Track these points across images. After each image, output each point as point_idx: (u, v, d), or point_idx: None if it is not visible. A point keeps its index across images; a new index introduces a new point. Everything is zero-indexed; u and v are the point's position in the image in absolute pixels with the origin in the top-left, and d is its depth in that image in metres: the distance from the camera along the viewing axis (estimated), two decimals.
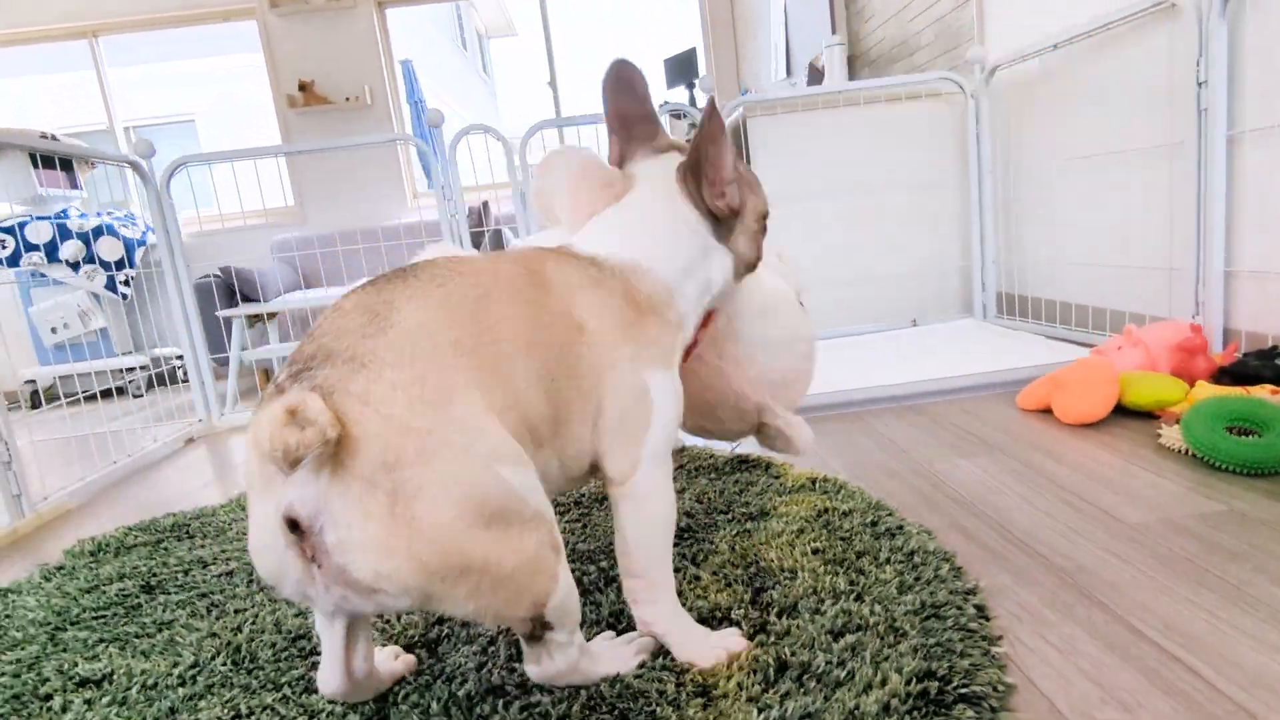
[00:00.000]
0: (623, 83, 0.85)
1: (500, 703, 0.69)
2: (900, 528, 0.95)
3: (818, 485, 1.14)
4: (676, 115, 4.94)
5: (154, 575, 1.10)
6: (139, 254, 3.71)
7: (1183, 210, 1.61)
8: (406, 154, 5.48)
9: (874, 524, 0.97)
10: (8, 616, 1.01)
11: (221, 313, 3.11)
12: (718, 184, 0.79)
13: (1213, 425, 1.09)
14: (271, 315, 3.70)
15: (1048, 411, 1.43)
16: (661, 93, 5.65)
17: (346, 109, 5.39)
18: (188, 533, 1.27)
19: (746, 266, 0.86)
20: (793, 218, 2.33)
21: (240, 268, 3.34)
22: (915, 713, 0.61)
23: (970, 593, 0.79)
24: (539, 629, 0.63)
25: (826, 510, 1.03)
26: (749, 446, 1.39)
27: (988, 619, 0.75)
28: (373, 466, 0.53)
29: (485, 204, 4.16)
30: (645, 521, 0.73)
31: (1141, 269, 1.77)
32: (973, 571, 0.86)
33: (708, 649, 0.72)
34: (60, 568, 1.17)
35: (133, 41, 5.05)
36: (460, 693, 0.71)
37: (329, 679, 0.66)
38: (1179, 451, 1.16)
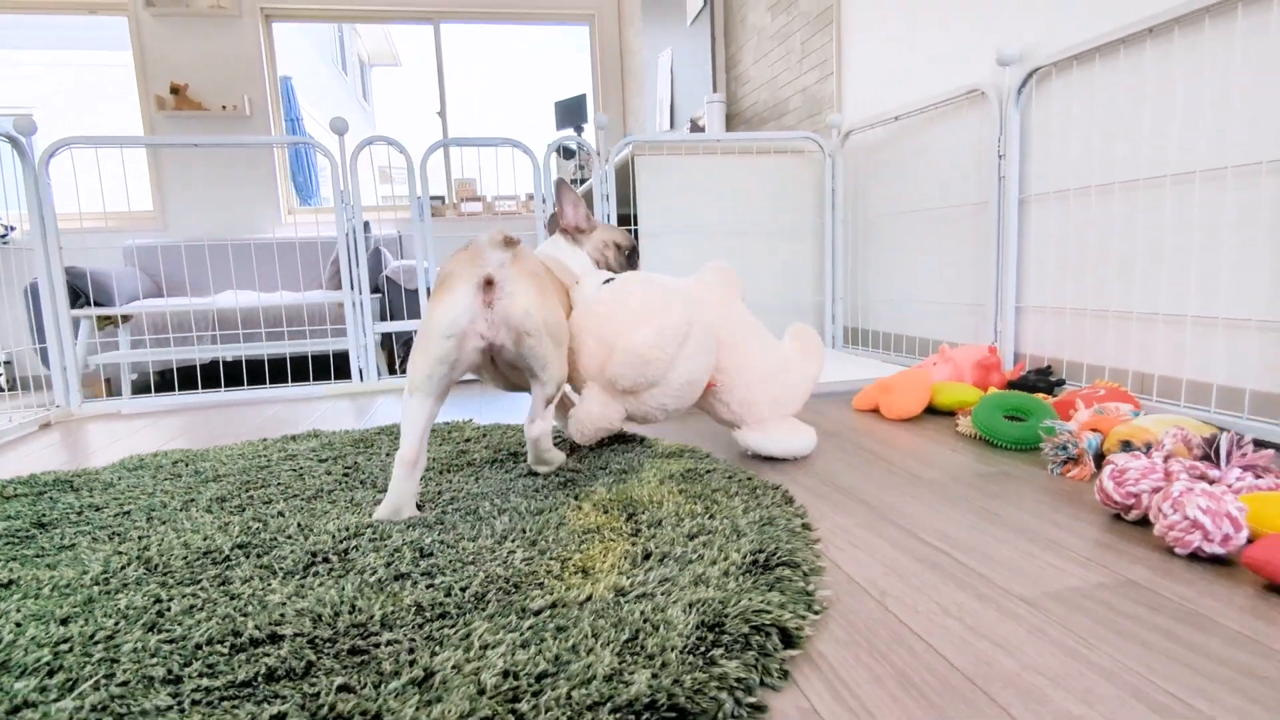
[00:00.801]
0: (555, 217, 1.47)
1: (409, 583, 0.81)
2: (750, 477, 1.14)
3: (686, 453, 1.32)
4: (567, 155, 5.18)
5: (44, 516, 1.12)
6: None
7: (986, 257, 1.95)
8: (283, 168, 5.40)
9: (731, 476, 1.15)
10: None
11: (74, 313, 2.97)
12: (563, 221, 1.44)
13: (993, 413, 1.37)
14: (125, 319, 3.55)
15: (876, 411, 1.69)
16: (551, 133, 5.89)
17: (222, 117, 5.26)
18: (72, 487, 1.29)
19: (598, 262, 1.44)
20: (672, 248, 2.56)
21: (95, 269, 3.21)
22: (747, 575, 0.78)
23: (799, 515, 0.99)
24: (556, 394, 1.18)
25: (693, 469, 1.21)
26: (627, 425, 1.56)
27: (811, 529, 0.95)
28: (531, 270, 1.15)
29: (366, 224, 4.20)
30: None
31: (956, 304, 2.10)
32: (803, 504, 1.06)
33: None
34: None
35: None
36: (372, 580, 0.82)
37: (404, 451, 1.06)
38: (971, 436, 1.43)
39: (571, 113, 5.57)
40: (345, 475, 1.27)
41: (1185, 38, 1.40)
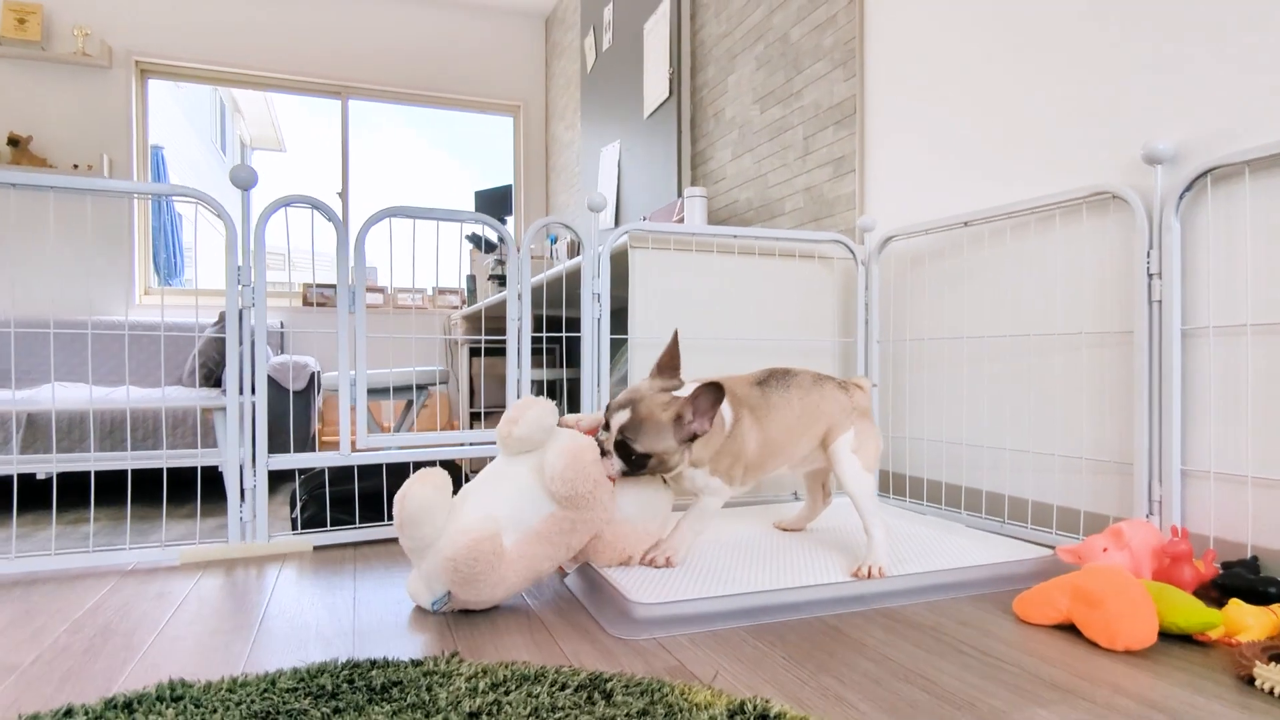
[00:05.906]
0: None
1: None
2: None
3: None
4: (488, 248, 4.61)
5: None
6: None
7: (1123, 402, 1.53)
8: (144, 243, 4.54)
9: None
10: None
11: None
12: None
13: None
14: None
15: (1063, 627, 1.17)
16: (469, 225, 5.35)
17: (73, 177, 4.39)
18: None
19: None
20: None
21: None
22: None
23: None
24: None
25: None
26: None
27: None
28: None
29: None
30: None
31: (1061, 458, 1.66)
32: None
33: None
34: None
35: None
36: None
37: None
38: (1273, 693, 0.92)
39: (494, 204, 5.05)
40: None
41: None
